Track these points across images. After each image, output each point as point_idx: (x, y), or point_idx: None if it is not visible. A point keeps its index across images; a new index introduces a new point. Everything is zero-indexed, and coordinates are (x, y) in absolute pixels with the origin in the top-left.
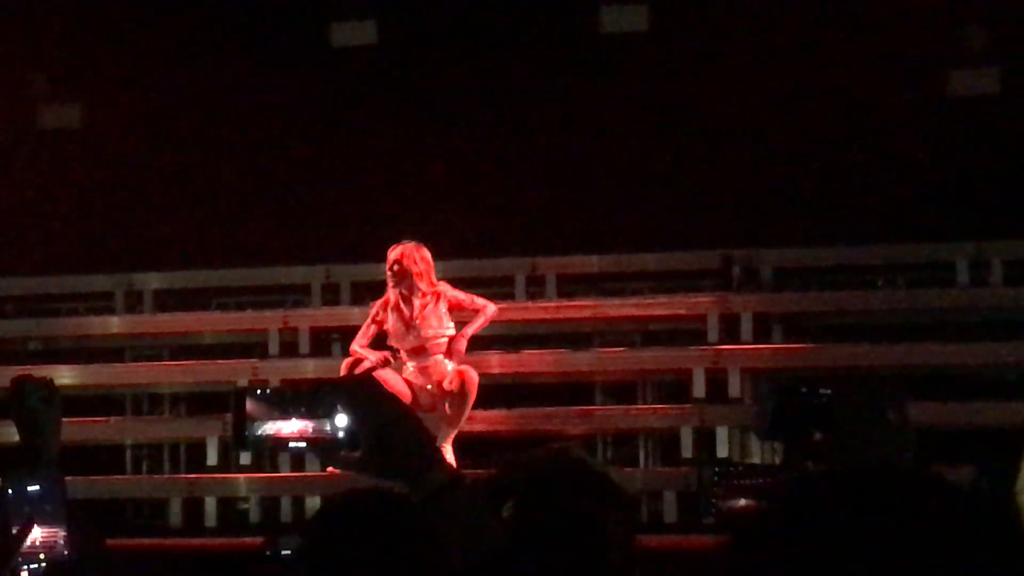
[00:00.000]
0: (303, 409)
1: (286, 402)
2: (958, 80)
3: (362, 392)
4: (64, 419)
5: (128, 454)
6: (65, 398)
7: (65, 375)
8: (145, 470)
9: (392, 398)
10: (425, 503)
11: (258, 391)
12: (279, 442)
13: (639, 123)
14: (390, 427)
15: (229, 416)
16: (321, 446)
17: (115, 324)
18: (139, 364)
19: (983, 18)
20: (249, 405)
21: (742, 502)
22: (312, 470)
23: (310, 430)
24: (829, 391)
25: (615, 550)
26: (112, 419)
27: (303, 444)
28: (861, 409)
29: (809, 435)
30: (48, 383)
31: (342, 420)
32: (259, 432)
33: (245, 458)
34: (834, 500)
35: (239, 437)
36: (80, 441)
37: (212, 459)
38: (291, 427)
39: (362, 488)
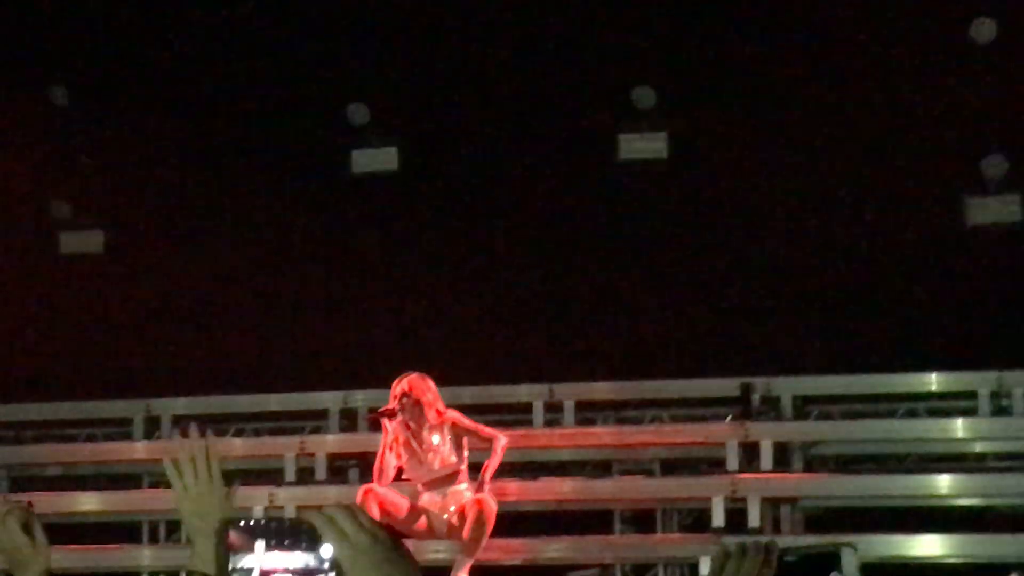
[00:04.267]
0: (287, 541)
1: (270, 534)
2: (977, 208)
3: (345, 521)
4: (80, 547)
5: None
6: (85, 524)
7: (85, 501)
8: None
9: (377, 526)
10: None
11: (242, 522)
12: (264, 574)
13: (657, 251)
14: (374, 557)
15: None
16: None
17: (139, 449)
18: (158, 491)
19: (1002, 147)
20: (233, 537)
21: None
22: None
23: (295, 563)
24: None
25: None
26: (125, 547)
27: None
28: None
29: None
30: (27, 510)
31: (327, 551)
32: (243, 566)
33: None
34: None
35: (224, 569)
36: (95, 569)
37: None
38: (276, 560)
39: None
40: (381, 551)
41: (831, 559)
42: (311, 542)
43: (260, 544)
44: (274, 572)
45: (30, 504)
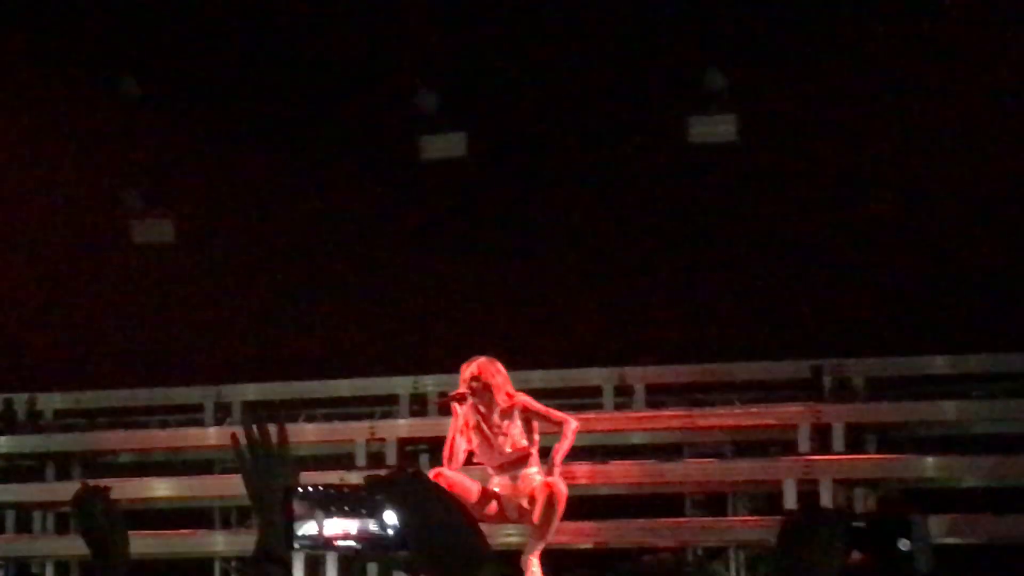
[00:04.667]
0: (348, 508)
1: (332, 500)
2: None
3: (410, 489)
4: (153, 532)
5: (217, 567)
6: (156, 510)
7: (158, 487)
8: None
9: (442, 494)
10: None
11: (305, 490)
12: (327, 541)
13: (727, 233)
14: (439, 524)
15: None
16: (369, 545)
17: (210, 435)
18: (229, 476)
19: None
20: (296, 505)
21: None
22: None
23: (357, 529)
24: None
25: None
26: (198, 532)
27: (351, 543)
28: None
29: None
30: (105, 495)
31: (390, 518)
32: (305, 532)
33: (332, 572)
34: None
35: (288, 537)
36: (169, 554)
37: (298, 572)
38: (338, 526)
39: None
40: (449, 520)
41: (901, 527)
42: (374, 509)
43: (322, 512)
44: (337, 539)
45: (108, 490)
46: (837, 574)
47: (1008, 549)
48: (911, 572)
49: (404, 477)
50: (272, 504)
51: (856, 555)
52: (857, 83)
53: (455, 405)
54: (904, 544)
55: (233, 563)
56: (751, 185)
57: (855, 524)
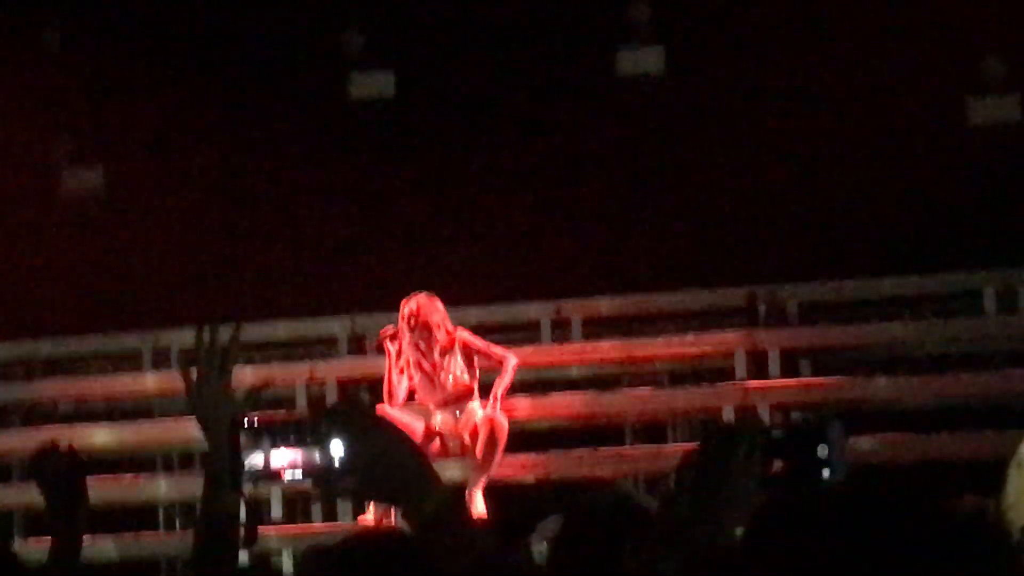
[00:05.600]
0: (294, 438)
1: (278, 431)
2: (978, 109)
3: (355, 417)
4: (95, 476)
5: (160, 512)
6: (97, 458)
7: (98, 435)
8: (178, 528)
9: (385, 422)
10: (422, 529)
11: (249, 422)
12: (274, 473)
13: (659, 163)
14: (384, 452)
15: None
16: (316, 474)
17: (149, 382)
18: (170, 421)
19: (1003, 46)
20: (242, 437)
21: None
22: (345, 520)
23: (302, 459)
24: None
25: None
26: (141, 476)
27: (298, 474)
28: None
29: None
30: (70, 450)
31: (336, 447)
32: (251, 464)
33: (276, 510)
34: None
35: (236, 473)
36: (112, 501)
37: (242, 515)
38: (283, 457)
39: (359, 532)
40: (395, 448)
41: (818, 433)
42: (320, 439)
43: (268, 443)
44: (283, 469)
45: (70, 446)
46: (757, 484)
47: (935, 466)
48: (826, 478)
49: (348, 405)
50: (220, 431)
51: (777, 465)
52: (785, 11)
53: (386, 343)
54: (823, 449)
55: (177, 508)
56: (680, 116)
57: (774, 434)
